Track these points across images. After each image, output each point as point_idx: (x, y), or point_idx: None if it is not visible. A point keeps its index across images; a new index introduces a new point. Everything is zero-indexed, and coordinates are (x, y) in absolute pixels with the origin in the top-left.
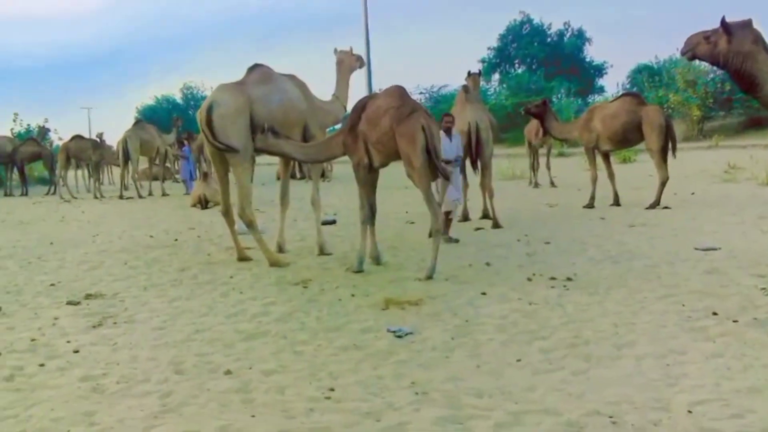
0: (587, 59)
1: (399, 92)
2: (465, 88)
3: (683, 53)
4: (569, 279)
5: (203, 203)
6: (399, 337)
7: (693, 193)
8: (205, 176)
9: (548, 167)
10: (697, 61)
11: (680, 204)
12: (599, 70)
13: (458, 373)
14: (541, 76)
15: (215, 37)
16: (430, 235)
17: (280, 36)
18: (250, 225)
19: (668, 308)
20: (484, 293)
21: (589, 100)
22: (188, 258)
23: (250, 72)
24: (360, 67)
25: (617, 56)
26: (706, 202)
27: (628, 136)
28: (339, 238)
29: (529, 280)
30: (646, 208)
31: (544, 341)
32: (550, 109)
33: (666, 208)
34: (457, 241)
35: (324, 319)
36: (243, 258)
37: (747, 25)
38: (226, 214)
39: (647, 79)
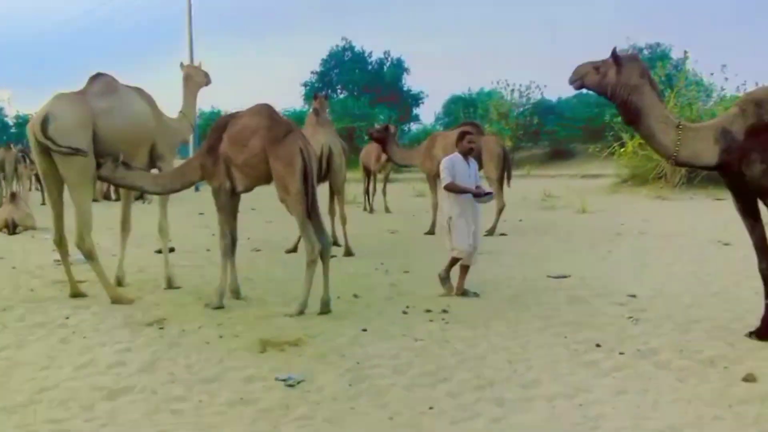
0: (405, 88)
1: (268, 111)
2: (315, 110)
3: (571, 82)
4: (445, 311)
5: (11, 228)
6: (291, 386)
7: (521, 220)
8: (13, 197)
9: (384, 193)
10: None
11: (513, 230)
12: (416, 99)
13: (372, 428)
14: (365, 103)
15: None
16: (318, 264)
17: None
18: (90, 255)
19: (553, 341)
20: (364, 329)
21: (406, 129)
22: (7, 295)
23: (92, 81)
24: (207, 84)
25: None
26: (535, 229)
27: None
28: (184, 268)
29: (405, 313)
30: (485, 235)
31: (448, 384)
32: (392, 135)
33: (503, 234)
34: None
35: (196, 368)
36: (76, 294)
37: (635, 58)
38: (60, 243)
39: (462, 109)
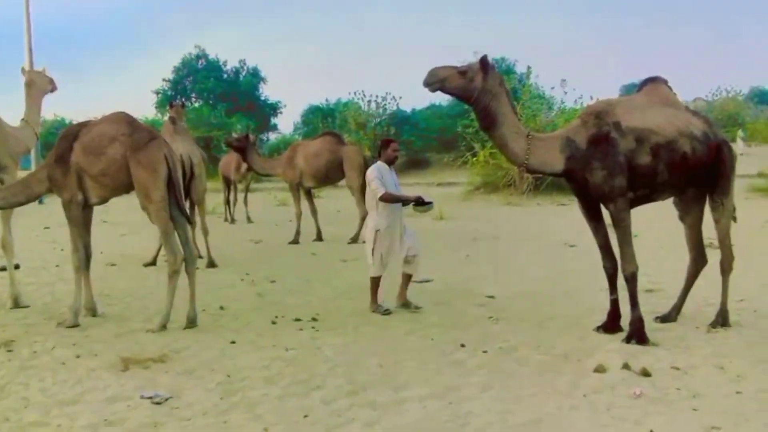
0: (263, 97)
1: (126, 118)
2: (172, 119)
3: (429, 84)
4: (314, 319)
5: None
6: (158, 403)
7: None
8: None
9: (246, 203)
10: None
11: None
12: (274, 109)
13: None
14: (221, 112)
15: None
16: (189, 277)
17: None
18: None
19: (421, 343)
20: (233, 342)
21: (263, 138)
22: None
23: None
24: (52, 90)
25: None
26: None
27: (330, 174)
28: (32, 285)
29: (274, 323)
30: (348, 243)
31: (321, 391)
32: (252, 144)
33: (365, 242)
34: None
35: (52, 391)
36: None
37: (494, 67)
38: None
39: (321, 119)
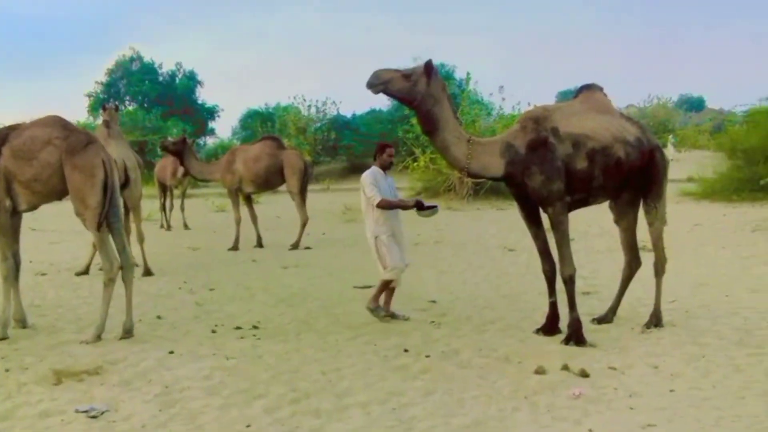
0: (199, 101)
1: (60, 121)
2: (106, 122)
3: (373, 86)
4: (255, 327)
5: None
6: (93, 417)
7: (324, 234)
8: None
9: (182, 209)
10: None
11: (318, 244)
12: (211, 113)
13: None
14: (157, 115)
15: None
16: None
17: None
18: None
19: (363, 349)
20: (171, 352)
21: (201, 142)
22: None
23: None
24: None
25: (228, 100)
26: (339, 241)
27: (270, 179)
28: None
29: (214, 332)
30: (289, 249)
31: (264, 400)
32: (190, 147)
33: (307, 248)
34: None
35: None
36: None
37: (437, 72)
38: None
39: (260, 123)
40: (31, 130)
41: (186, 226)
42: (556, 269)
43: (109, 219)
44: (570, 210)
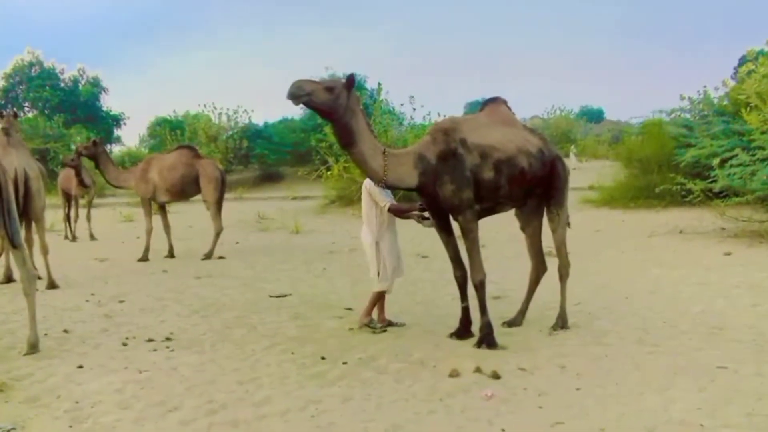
0: (104, 108)
1: None
2: (5, 130)
3: (296, 97)
4: (169, 339)
5: None
6: None
7: (237, 243)
8: None
9: (88, 218)
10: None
11: (232, 253)
12: (117, 121)
13: None
14: (58, 123)
15: None
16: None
17: None
18: None
19: (281, 358)
20: (80, 366)
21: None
22: None
23: None
24: None
25: (134, 108)
26: (253, 250)
27: (186, 189)
28: None
29: (125, 344)
30: (202, 259)
31: (179, 412)
32: (105, 151)
33: (221, 258)
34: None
35: None
36: None
37: (352, 86)
38: None
39: (169, 131)
40: None
41: (92, 237)
42: (467, 275)
43: (9, 231)
44: (479, 218)
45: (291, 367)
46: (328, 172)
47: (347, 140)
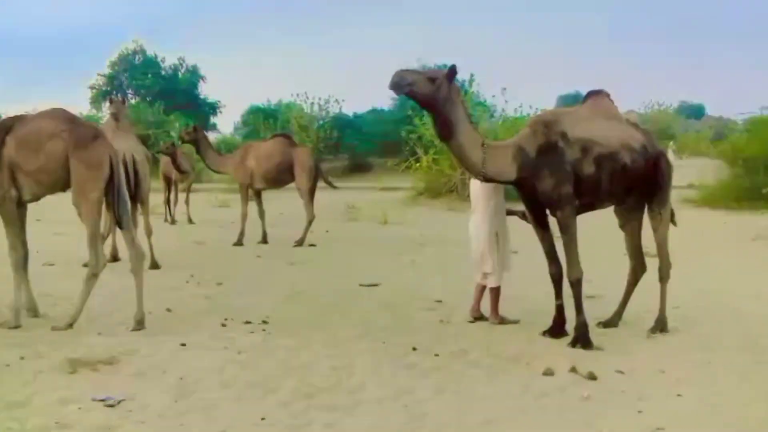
0: (202, 96)
1: (65, 115)
2: (114, 115)
3: (398, 87)
4: (265, 322)
5: None
6: (110, 406)
7: (327, 231)
8: None
9: (187, 203)
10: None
11: (322, 242)
12: (213, 108)
13: None
14: (159, 110)
15: None
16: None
17: None
18: None
19: (373, 346)
20: (183, 344)
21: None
22: None
23: None
24: None
25: (230, 96)
26: (342, 239)
27: (281, 176)
28: None
29: (224, 325)
30: (294, 246)
31: (277, 394)
32: (205, 137)
33: (312, 245)
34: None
35: None
36: None
37: (454, 76)
38: None
39: (262, 120)
40: (37, 121)
41: (190, 221)
42: (563, 272)
43: (119, 213)
44: (578, 214)
45: (383, 356)
46: (417, 164)
47: (446, 132)
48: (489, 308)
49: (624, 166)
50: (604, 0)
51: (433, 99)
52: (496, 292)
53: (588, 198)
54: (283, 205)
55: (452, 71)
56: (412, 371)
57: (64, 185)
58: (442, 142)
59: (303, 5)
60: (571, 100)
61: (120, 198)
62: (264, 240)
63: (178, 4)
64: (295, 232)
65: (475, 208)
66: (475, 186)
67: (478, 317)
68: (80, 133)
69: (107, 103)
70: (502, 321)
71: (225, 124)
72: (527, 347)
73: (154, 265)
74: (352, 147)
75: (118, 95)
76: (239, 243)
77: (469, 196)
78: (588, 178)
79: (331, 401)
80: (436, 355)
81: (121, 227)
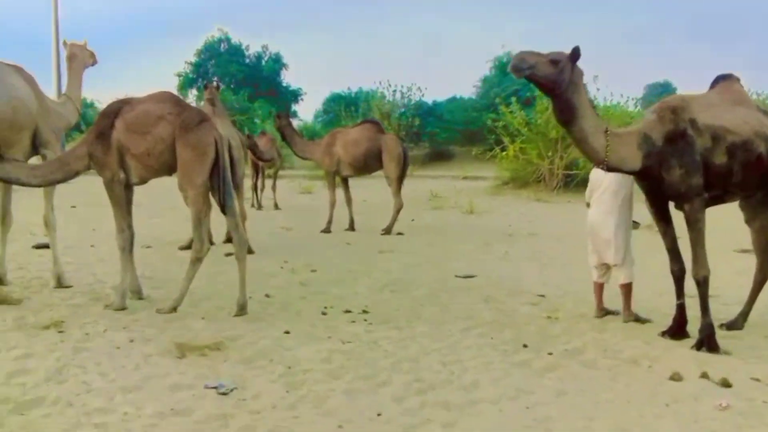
0: (284, 84)
1: (173, 98)
2: (210, 101)
3: (520, 70)
4: (365, 311)
5: None
6: (224, 394)
7: (413, 220)
8: None
9: (273, 189)
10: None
11: (408, 230)
12: (295, 96)
13: None
14: (244, 97)
15: None
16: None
17: None
18: None
19: (479, 342)
20: (287, 332)
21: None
22: None
23: None
24: (93, 64)
25: (311, 84)
26: (429, 228)
27: (369, 163)
28: (70, 265)
29: (324, 314)
30: (382, 234)
31: (389, 388)
32: (290, 124)
33: (399, 234)
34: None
35: (111, 375)
36: None
37: (577, 58)
38: None
39: (343, 108)
40: (145, 105)
41: (276, 206)
42: (685, 269)
43: (223, 198)
44: (706, 207)
45: (492, 353)
46: (503, 153)
47: (568, 116)
48: (621, 305)
49: (759, 156)
50: None
51: (554, 83)
52: (628, 287)
53: (717, 190)
54: (366, 192)
55: (575, 53)
56: (526, 370)
57: (170, 169)
58: (562, 127)
59: None
60: (660, 90)
61: (225, 183)
62: (351, 227)
63: None
64: (379, 219)
65: (600, 200)
66: (599, 176)
67: (605, 314)
68: (187, 116)
69: (192, 91)
70: (637, 319)
71: (306, 112)
72: (646, 348)
73: (249, 251)
74: (432, 135)
75: (214, 80)
76: (327, 230)
77: (557, 186)
78: (719, 168)
79: (446, 398)
80: (550, 353)
81: (225, 213)
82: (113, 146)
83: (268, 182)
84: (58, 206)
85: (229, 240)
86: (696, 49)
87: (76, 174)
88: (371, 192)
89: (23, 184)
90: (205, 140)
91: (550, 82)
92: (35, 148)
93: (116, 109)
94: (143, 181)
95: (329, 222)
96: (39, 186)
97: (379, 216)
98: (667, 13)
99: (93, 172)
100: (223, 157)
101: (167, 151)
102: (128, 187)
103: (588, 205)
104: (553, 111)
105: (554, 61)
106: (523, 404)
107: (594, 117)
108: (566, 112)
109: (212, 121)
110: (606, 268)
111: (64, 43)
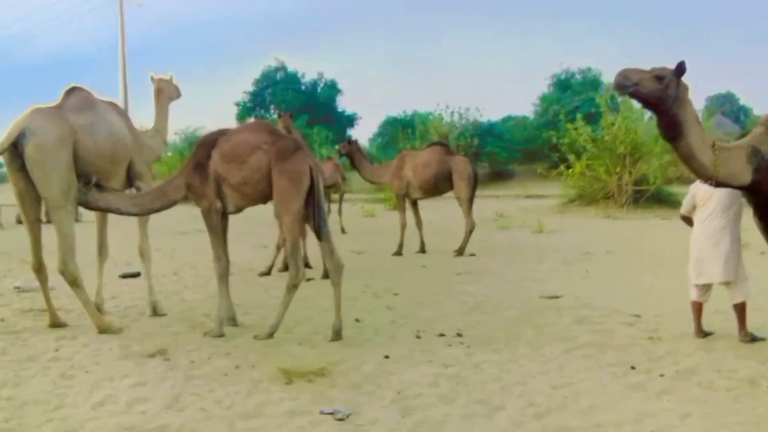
0: (339, 109)
1: (268, 127)
2: (287, 129)
3: (623, 87)
4: (459, 335)
5: None
6: (341, 420)
7: (482, 241)
8: None
9: (340, 213)
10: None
11: (480, 251)
12: (351, 120)
13: None
14: (303, 123)
15: None
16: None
17: None
18: (74, 283)
19: (585, 364)
20: (387, 356)
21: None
22: None
23: (68, 95)
24: (178, 97)
25: (364, 108)
26: (501, 249)
27: (439, 185)
28: (159, 294)
29: (418, 337)
30: (455, 255)
31: (505, 412)
32: (359, 149)
33: (472, 255)
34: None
35: (226, 402)
36: (57, 324)
37: (682, 73)
38: (39, 269)
39: (400, 130)
40: (240, 135)
41: (343, 230)
42: None
43: (318, 225)
44: None
45: (602, 375)
46: (569, 170)
47: (674, 132)
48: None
49: None
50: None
51: (660, 99)
52: (742, 306)
53: None
54: (430, 213)
55: (681, 68)
56: (642, 392)
57: (266, 197)
58: (668, 142)
59: (435, 18)
60: (722, 101)
61: (320, 209)
62: (422, 249)
63: (312, 19)
64: (447, 241)
65: (710, 216)
66: (704, 191)
67: (705, 335)
68: (282, 145)
69: (250, 120)
70: (753, 339)
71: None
72: (761, 369)
73: (326, 275)
74: (492, 155)
75: (287, 111)
76: (398, 253)
77: (626, 202)
78: None
79: (567, 423)
80: (661, 375)
81: (320, 239)
82: (210, 176)
83: (333, 207)
84: (128, 235)
85: (326, 276)
86: (758, 58)
87: (174, 203)
88: (434, 213)
89: (123, 213)
90: (301, 168)
91: (655, 99)
92: (129, 179)
93: (213, 140)
94: (239, 210)
95: (400, 245)
96: (137, 215)
97: (445, 237)
98: (725, 22)
99: None
100: (317, 184)
101: (263, 180)
102: (224, 216)
103: (683, 218)
104: (658, 127)
105: (659, 77)
106: (648, 428)
107: (701, 132)
108: (672, 128)
109: (306, 149)
110: (707, 287)
111: (152, 78)
